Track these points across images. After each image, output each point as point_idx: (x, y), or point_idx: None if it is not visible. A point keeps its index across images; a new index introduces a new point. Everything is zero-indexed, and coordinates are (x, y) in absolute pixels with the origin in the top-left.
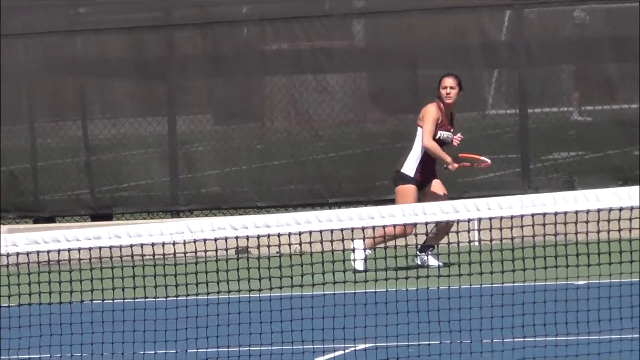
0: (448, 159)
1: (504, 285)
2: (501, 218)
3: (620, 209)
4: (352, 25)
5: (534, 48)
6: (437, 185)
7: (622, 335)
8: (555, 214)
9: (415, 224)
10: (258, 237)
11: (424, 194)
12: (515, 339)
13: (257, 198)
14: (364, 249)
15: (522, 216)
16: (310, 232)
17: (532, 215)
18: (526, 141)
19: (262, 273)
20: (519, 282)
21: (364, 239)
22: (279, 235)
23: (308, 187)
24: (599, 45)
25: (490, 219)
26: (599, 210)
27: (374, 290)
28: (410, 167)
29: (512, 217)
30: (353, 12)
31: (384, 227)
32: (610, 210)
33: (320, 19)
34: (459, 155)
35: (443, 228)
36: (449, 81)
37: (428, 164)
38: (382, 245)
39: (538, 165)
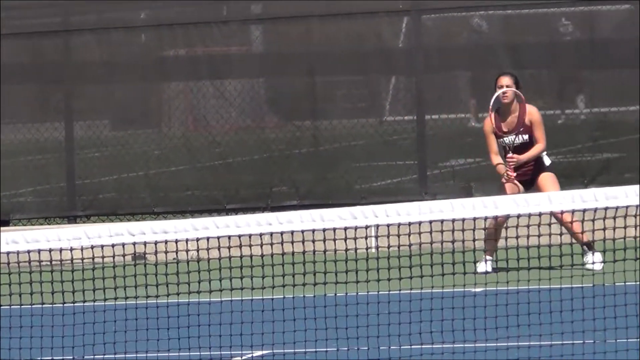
0: (501, 170)
1: (401, 292)
2: (399, 225)
3: (518, 216)
4: (250, 31)
5: (431, 55)
6: (545, 181)
7: (541, 342)
8: (453, 220)
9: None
10: (155, 243)
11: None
12: (412, 346)
13: (154, 204)
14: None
15: (419, 223)
16: (208, 239)
17: (430, 222)
18: (423, 148)
19: (159, 279)
20: (416, 289)
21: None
22: (176, 241)
23: (205, 193)
24: (496, 51)
25: (388, 225)
26: (496, 218)
27: (271, 297)
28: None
29: (409, 224)
30: (251, 17)
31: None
32: (508, 217)
33: (218, 25)
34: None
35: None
36: (504, 80)
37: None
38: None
39: (435, 171)
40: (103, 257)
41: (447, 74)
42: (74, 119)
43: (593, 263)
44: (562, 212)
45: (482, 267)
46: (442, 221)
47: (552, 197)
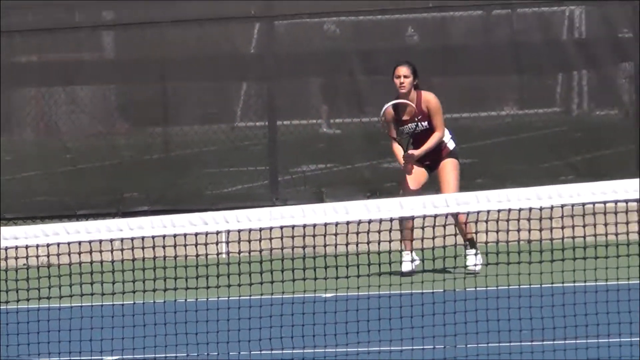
0: (400, 160)
1: (251, 297)
2: (250, 230)
3: (370, 222)
4: (102, 37)
5: (283, 60)
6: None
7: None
8: (304, 226)
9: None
10: (6, 249)
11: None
12: (262, 351)
13: (4, 210)
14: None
15: (271, 228)
16: (59, 244)
17: (281, 227)
18: (275, 153)
19: (10, 285)
20: (266, 295)
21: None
22: (26, 247)
23: (56, 199)
24: (349, 57)
25: (239, 231)
26: (348, 223)
27: (121, 302)
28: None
29: (260, 230)
30: (103, 23)
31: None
32: (359, 222)
33: (70, 31)
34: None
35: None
36: (401, 70)
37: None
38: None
39: (287, 177)
40: None
41: (299, 80)
42: None
43: (475, 265)
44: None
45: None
46: (293, 227)
47: (404, 202)
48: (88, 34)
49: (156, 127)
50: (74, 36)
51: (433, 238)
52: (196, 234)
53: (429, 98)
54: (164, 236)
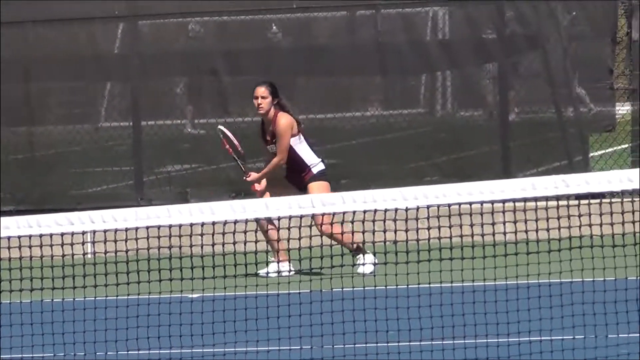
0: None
1: (117, 298)
2: (116, 230)
3: (235, 222)
4: None
5: (147, 60)
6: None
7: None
8: (170, 226)
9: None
10: None
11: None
12: (129, 351)
13: None
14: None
15: (137, 228)
16: None
17: (147, 227)
18: (139, 154)
19: None
20: (133, 295)
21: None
22: None
23: None
24: (213, 57)
25: (105, 231)
26: (213, 223)
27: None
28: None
29: (126, 230)
30: None
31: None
32: (225, 222)
33: None
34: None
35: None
36: (258, 90)
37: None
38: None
39: (152, 177)
40: None
41: (163, 80)
42: None
43: (364, 264)
44: (321, 223)
45: (273, 267)
46: (159, 227)
47: (269, 203)
48: None
49: (21, 127)
50: None
51: (299, 239)
52: (62, 234)
53: (278, 121)
54: (30, 236)
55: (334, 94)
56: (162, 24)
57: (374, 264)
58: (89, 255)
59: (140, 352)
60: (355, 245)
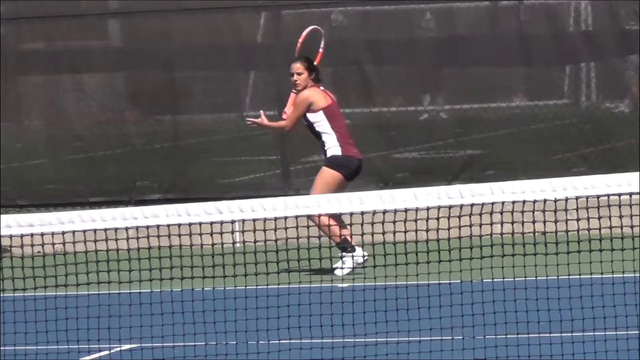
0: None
1: (268, 287)
2: (265, 219)
3: (384, 212)
4: (108, 25)
5: (291, 50)
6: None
7: (408, 338)
8: (319, 216)
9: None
10: (21, 236)
11: None
12: (281, 341)
13: (16, 197)
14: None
15: (285, 218)
16: (74, 232)
17: (296, 217)
18: (285, 143)
19: (26, 272)
20: (283, 284)
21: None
22: (42, 234)
23: (68, 186)
24: (356, 47)
25: (254, 220)
26: (362, 213)
27: (138, 290)
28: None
29: (275, 219)
30: (109, 12)
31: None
32: (374, 212)
33: (77, 19)
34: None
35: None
36: (294, 67)
37: None
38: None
39: (298, 167)
40: None
41: None
42: None
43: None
44: (319, 215)
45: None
46: (308, 216)
47: (418, 193)
48: (94, 22)
49: (165, 115)
50: (81, 24)
51: (448, 229)
52: (211, 223)
53: (301, 92)
54: (178, 225)
55: (478, 84)
56: (305, 13)
57: (362, 260)
58: (238, 244)
59: (291, 341)
60: (342, 239)
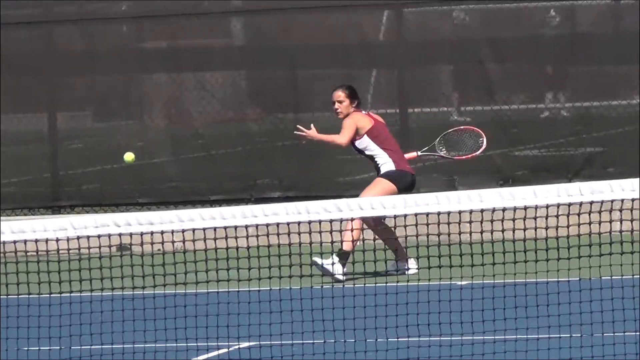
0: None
1: (387, 285)
2: (384, 218)
3: (504, 210)
4: (231, 24)
5: (412, 48)
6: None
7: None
8: (439, 213)
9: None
10: (141, 234)
11: None
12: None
13: (137, 195)
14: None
15: (405, 215)
16: (194, 230)
17: (416, 214)
18: (406, 141)
19: (146, 270)
20: (402, 282)
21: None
22: (162, 232)
23: (189, 184)
24: (477, 45)
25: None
26: (482, 211)
27: (257, 288)
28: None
29: (395, 217)
30: (231, 10)
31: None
32: (493, 210)
33: (199, 17)
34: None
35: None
36: (335, 95)
37: None
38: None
39: (419, 164)
40: (89, 247)
41: (428, 68)
42: (56, 110)
43: (408, 269)
44: (383, 218)
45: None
46: (427, 214)
47: (537, 190)
48: (217, 20)
49: (287, 113)
50: (203, 22)
51: (568, 227)
52: (331, 221)
53: (349, 116)
54: (298, 223)
55: (600, 82)
56: (427, 11)
57: (340, 274)
58: (358, 242)
59: (410, 339)
60: (345, 249)
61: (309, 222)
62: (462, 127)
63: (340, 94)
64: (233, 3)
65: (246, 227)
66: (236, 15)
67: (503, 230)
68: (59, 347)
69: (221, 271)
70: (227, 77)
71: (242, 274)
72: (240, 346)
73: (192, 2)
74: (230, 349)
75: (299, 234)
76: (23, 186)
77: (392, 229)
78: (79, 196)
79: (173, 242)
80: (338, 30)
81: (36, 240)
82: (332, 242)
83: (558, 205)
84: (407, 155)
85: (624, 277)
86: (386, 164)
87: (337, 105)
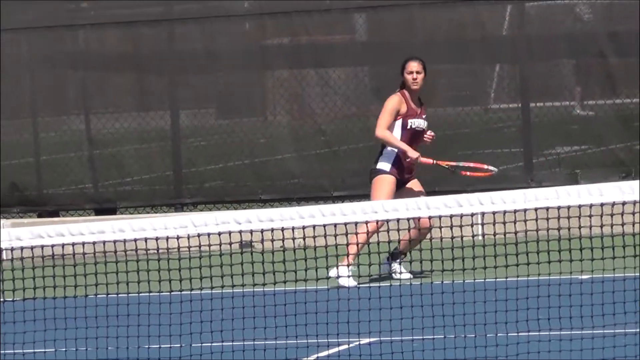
0: (409, 150)
1: (507, 279)
2: (504, 212)
3: (624, 203)
4: (353, 19)
5: (535, 42)
6: (414, 184)
7: (626, 330)
8: (559, 208)
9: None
10: (262, 231)
11: (399, 194)
12: (519, 334)
13: (260, 191)
14: (347, 265)
15: (525, 210)
16: (314, 227)
17: (536, 209)
18: (529, 135)
19: (266, 267)
20: (522, 277)
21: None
22: (282, 229)
23: (311, 181)
24: (600, 39)
25: (494, 213)
26: (602, 205)
27: (377, 284)
28: (384, 164)
29: (515, 212)
30: (353, 6)
31: (356, 234)
32: (613, 204)
33: (321, 13)
34: (462, 165)
35: (419, 235)
36: (414, 65)
37: (403, 162)
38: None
39: (541, 159)
40: (210, 245)
41: (550, 62)
42: (179, 108)
43: (401, 273)
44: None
45: (345, 281)
46: (547, 209)
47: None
48: (339, 16)
49: None
50: (325, 18)
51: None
52: (451, 216)
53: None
54: (418, 218)
55: None
56: (550, 6)
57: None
58: (479, 237)
59: (530, 333)
60: (350, 259)
61: (429, 218)
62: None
63: (418, 65)
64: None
65: (366, 222)
66: (357, 11)
67: (623, 225)
68: (179, 345)
69: (342, 267)
70: (350, 73)
71: (362, 270)
72: (361, 342)
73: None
74: (351, 345)
75: (419, 229)
76: (146, 184)
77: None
78: (201, 193)
79: (294, 238)
80: (460, 25)
81: (157, 238)
82: (452, 238)
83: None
84: (424, 160)
85: None
86: (387, 155)
87: (415, 75)
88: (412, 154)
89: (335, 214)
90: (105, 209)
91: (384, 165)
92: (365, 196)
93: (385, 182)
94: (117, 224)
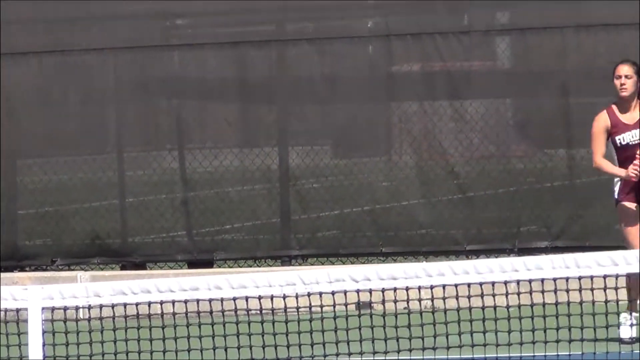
0: (622, 173)
1: None
2: None
3: None
4: (495, 43)
5: None
6: None
7: None
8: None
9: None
10: (383, 290)
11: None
12: None
13: (381, 244)
14: (630, 312)
15: None
16: (444, 286)
17: None
18: None
19: (388, 332)
20: None
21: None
22: (407, 288)
23: (442, 231)
24: None
25: None
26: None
27: (518, 354)
28: (615, 190)
29: None
30: (496, 27)
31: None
32: None
33: (458, 36)
34: None
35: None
36: (623, 69)
37: (630, 182)
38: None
39: None
40: (322, 306)
41: None
42: (288, 144)
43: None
44: None
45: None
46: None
47: None
48: (479, 40)
49: (558, 149)
50: (463, 41)
51: None
52: (604, 277)
53: None
54: (567, 278)
55: None
56: None
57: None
58: None
59: None
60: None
61: (579, 278)
62: None
63: (628, 69)
64: (498, 19)
65: (505, 283)
66: (501, 34)
67: None
68: None
69: (476, 334)
70: (489, 105)
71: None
72: None
73: (450, 18)
74: None
75: (567, 291)
76: (248, 232)
77: None
78: (312, 245)
79: (420, 299)
80: (618, 51)
81: (260, 297)
82: (605, 302)
83: None
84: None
85: None
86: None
87: (624, 80)
88: (619, 172)
89: (468, 271)
90: (200, 262)
91: (616, 192)
92: (503, 251)
93: (622, 214)
94: (214, 279)
